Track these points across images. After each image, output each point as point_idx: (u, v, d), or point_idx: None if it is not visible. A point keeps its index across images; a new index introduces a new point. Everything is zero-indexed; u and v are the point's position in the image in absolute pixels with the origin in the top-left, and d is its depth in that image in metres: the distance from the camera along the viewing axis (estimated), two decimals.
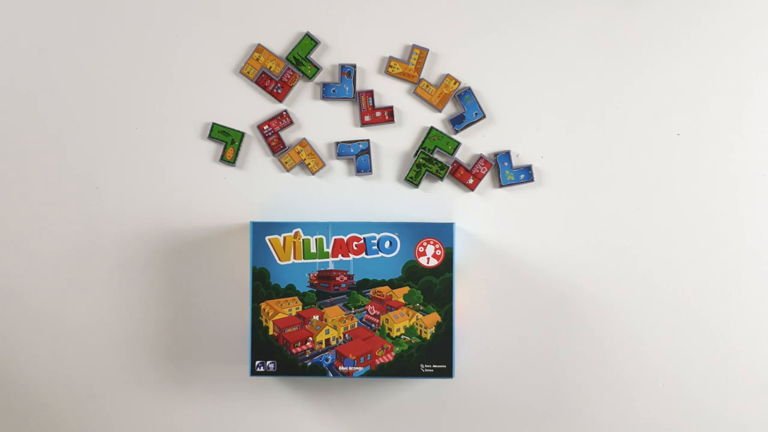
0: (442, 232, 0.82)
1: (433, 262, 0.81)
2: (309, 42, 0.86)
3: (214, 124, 0.86)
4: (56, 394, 0.88)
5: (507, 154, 0.86)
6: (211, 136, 0.86)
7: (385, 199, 0.87)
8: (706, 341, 0.87)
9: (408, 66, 0.86)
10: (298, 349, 0.82)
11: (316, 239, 0.81)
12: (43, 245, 0.87)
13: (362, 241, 0.81)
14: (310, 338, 0.82)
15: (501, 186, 0.87)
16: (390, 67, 0.86)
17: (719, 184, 0.86)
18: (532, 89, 0.86)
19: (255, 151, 0.87)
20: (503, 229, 0.87)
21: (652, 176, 0.87)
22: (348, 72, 0.86)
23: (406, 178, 0.87)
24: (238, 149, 0.86)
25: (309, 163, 0.86)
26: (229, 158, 0.86)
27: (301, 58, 0.86)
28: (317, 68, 0.86)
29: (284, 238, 0.82)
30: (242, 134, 0.86)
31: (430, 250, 0.82)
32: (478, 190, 0.87)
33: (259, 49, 0.86)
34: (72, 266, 0.87)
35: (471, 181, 0.86)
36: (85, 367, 0.87)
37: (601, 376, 0.87)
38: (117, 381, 0.88)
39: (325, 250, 0.81)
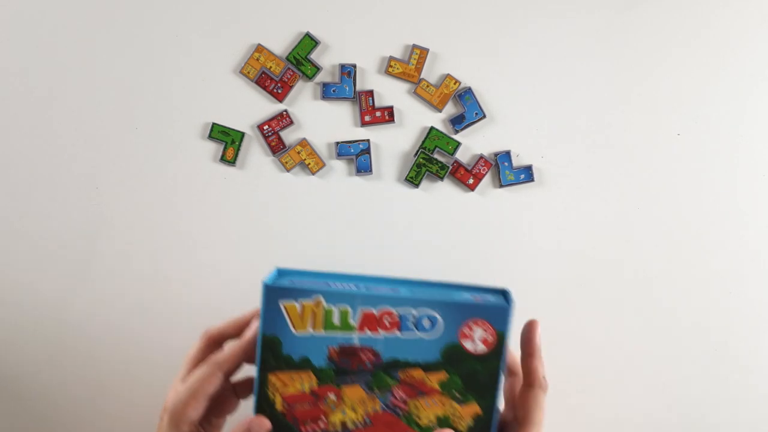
0: (494, 314, 0.66)
1: (481, 348, 0.67)
2: (309, 42, 0.85)
3: (214, 124, 0.86)
4: (56, 394, 0.87)
5: (507, 154, 0.86)
6: (211, 136, 0.86)
7: (385, 199, 0.87)
8: (706, 341, 0.87)
9: (408, 66, 0.86)
10: (309, 428, 0.66)
11: (340, 310, 0.66)
12: (42, 245, 0.87)
13: (396, 316, 0.66)
14: (323, 417, 0.67)
15: (501, 186, 0.87)
16: (390, 67, 0.86)
17: (719, 184, 0.87)
18: (532, 89, 0.86)
19: (255, 151, 0.87)
20: (503, 229, 0.87)
21: (652, 176, 0.87)
22: (348, 72, 0.86)
23: (406, 178, 0.86)
24: (238, 149, 0.86)
25: (309, 163, 0.86)
26: (229, 158, 0.86)
27: (301, 58, 0.86)
28: (317, 68, 0.86)
29: (302, 305, 0.66)
30: (242, 134, 0.86)
31: (478, 333, 0.67)
32: (478, 190, 0.87)
33: (259, 49, 0.86)
34: (71, 266, 0.87)
35: (471, 181, 0.86)
36: (84, 366, 0.87)
37: (601, 376, 0.87)
38: (117, 381, 0.88)
39: (350, 322, 0.66)
